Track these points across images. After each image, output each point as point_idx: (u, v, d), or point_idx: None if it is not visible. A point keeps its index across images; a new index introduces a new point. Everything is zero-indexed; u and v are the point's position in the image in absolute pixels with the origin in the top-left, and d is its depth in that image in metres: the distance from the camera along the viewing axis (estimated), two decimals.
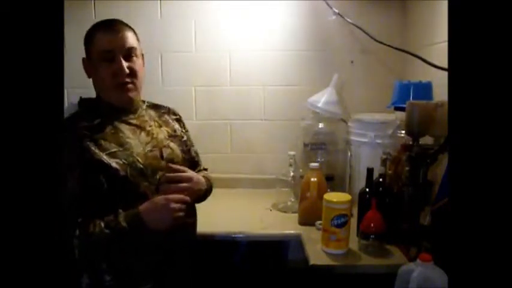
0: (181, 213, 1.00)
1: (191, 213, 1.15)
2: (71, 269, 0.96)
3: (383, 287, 1.02)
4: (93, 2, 1.85)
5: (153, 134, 1.11)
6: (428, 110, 1.15)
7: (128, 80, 1.05)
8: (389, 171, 1.27)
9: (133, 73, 1.05)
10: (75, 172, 0.95)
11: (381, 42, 1.72)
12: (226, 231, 1.40)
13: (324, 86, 1.74)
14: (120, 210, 0.97)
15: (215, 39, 1.87)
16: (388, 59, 1.82)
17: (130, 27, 1.08)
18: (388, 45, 1.71)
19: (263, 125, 1.93)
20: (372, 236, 1.19)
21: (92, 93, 1.11)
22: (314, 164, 1.46)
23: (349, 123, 1.66)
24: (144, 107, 1.17)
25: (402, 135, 1.37)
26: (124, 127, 1.07)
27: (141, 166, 1.03)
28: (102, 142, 1.00)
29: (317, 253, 1.21)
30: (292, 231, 1.41)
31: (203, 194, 1.19)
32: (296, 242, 1.37)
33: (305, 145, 1.72)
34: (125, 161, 1.00)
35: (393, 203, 1.23)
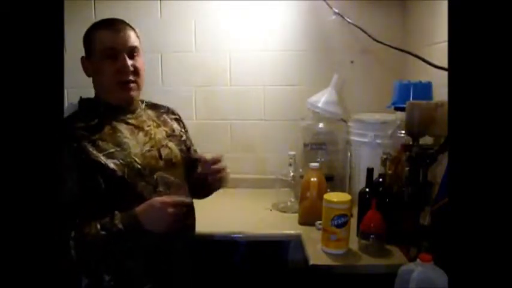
0: (178, 218, 1.00)
1: (190, 214, 1.15)
2: (69, 270, 0.96)
3: (383, 287, 1.02)
4: (93, 2, 1.85)
5: (151, 134, 1.11)
6: (428, 110, 1.15)
7: (131, 78, 1.05)
8: (389, 171, 1.27)
9: (136, 71, 1.06)
10: (72, 173, 0.94)
11: (381, 42, 1.72)
12: (226, 231, 1.40)
13: (324, 86, 1.74)
14: (117, 212, 0.96)
15: (215, 39, 1.87)
16: (388, 59, 1.82)
17: (131, 27, 1.09)
18: (388, 45, 1.71)
19: (263, 125, 1.93)
20: (372, 236, 1.19)
21: (92, 93, 1.11)
22: (314, 164, 1.46)
23: (349, 123, 1.65)
24: (143, 106, 1.16)
25: (402, 135, 1.37)
26: (122, 127, 1.06)
27: (139, 166, 1.03)
28: (100, 142, 0.99)
29: (317, 253, 1.21)
30: (292, 231, 1.41)
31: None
32: (296, 242, 1.37)
33: (305, 145, 1.72)
34: (122, 162, 1.00)
35: (393, 203, 1.23)
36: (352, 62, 1.86)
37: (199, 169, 1.16)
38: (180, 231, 1.05)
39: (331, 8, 1.79)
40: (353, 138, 1.61)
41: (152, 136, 1.11)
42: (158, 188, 1.05)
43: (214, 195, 1.35)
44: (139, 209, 0.97)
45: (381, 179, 1.28)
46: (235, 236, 1.39)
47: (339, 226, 1.18)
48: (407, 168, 1.18)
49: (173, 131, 1.20)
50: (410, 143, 1.19)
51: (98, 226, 0.94)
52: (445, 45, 1.38)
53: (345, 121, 1.70)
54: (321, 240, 1.23)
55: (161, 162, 1.09)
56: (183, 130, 1.25)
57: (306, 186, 1.45)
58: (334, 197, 1.22)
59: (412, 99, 1.34)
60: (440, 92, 1.36)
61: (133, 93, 1.07)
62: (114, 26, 1.04)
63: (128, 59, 1.03)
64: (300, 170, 1.63)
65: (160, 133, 1.14)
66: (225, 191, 1.34)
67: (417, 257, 0.95)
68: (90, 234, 0.93)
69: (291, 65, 1.88)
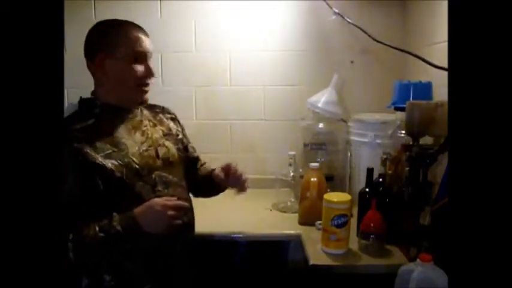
0: (178, 221, 1.00)
1: (189, 214, 1.15)
2: (68, 270, 0.96)
3: (383, 287, 1.02)
4: (93, 2, 1.85)
5: (148, 133, 1.11)
6: (428, 110, 1.15)
7: (149, 81, 1.08)
8: (389, 171, 1.27)
9: (153, 76, 1.09)
10: (70, 174, 0.94)
11: (381, 42, 1.72)
12: (226, 231, 1.40)
13: (324, 86, 1.74)
14: (115, 214, 0.96)
15: (215, 39, 1.87)
16: (388, 59, 1.82)
17: None
18: (388, 45, 1.71)
19: (263, 125, 1.93)
20: (372, 236, 1.19)
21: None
22: (314, 164, 1.46)
23: (349, 123, 1.65)
24: (139, 106, 1.17)
25: (402, 135, 1.37)
26: (119, 127, 1.06)
27: (137, 166, 1.03)
28: (97, 143, 0.99)
29: (317, 253, 1.21)
30: (292, 231, 1.41)
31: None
32: (296, 242, 1.37)
33: (305, 145, 1.72)
34: (120, 162, 1.00)
35: (393, 203, 1.23)
36: (352, 62, 1.87)
37: (220, 174, 1.21)
38: (179, 232, 1.05)
39: (331, 8, 1.79)
40: (353, 138, 1.61)
41: (149, 136, 1.11)
42: (157, 188, 1.05)
43: None
44: (138, 210, 0.97)
45: (380, 179, 1.28)
46: (235, 236, 1.39)
47: (339, 226, 1.18)
48: (407, 168, 1.18)
49: (169, 130, 1.20)
50: (410, 143, 1.19)
51: (97, 228, 0.94)
52: (445, 45, 1.39)
53: (345, 121, 1.69)
54: (321, 240, 1.23)
55: (159, 162, 1.09)
56: (179, 129, 1.25)
57: (306, 186, 1.45)
58: (334, 197, 1.22)
59: (412, 99, 1.34)
60: (440, 92, 1.36)
61: (148, 96, 1.10)
62: (141, 29, 1.07)
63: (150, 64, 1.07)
64: (300, 170, 1.63)
65: (157, 132, 1.15)
66: (225, 190, 1.34)
67: (417, 257, 0.95)
68: (88, 236, 0.93)
69: (291, 65, 1.88)
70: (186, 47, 1.88)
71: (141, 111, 1.15)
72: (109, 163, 0.98)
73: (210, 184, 1.27)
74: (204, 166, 1.35)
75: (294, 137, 1.81)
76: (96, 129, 1.01)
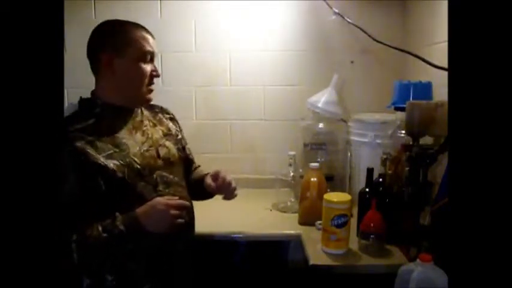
0: (181, 220, 1.00)
1: (190, 213, 1.15)
2: (70, 270, 0.96)
3: (383, 287, 1.02)
4: (93, 2, 1.85)
5: (148, 133, 1.11)
6: (428, 110, 1.15)
7: (154, 82, 1.10)
8: (389, 171, 1.27)
9: (159, 76, 1.11)
10: (72, 174, 0.94)
11: (381, 42, 1.72)
12: (226, 231, 1.40)
13: (324, 86, 1.74)
14: (117, 214, 0.96)
15: (215, 39, 1.87)
16: (388, 59, 1.82)
17: None
18: (388, 45, 1.71)
19: (263, 125, 1.93)
20: (372, 236, 1.19)
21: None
22: (314, 164, 1.46)
23: (349, 123, 1.65)
24: (139, 107, 1.16)
25: (402, 135, 1.37)
26: (120, 127, 1.06)
27: (138, 166, 1.03)
28: (98, 143, 0.99)
29: (317, 253, 1.21)
30: (292, 231, 1.41)
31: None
32: (296, 242, 1.37)
33: (305, 145, 1.72)
34: (122, 162, 1.00)
35: (393, 203, 1.23)
36: (352, 62, 1.87)
37: (212, 184, 1.18)
38: (181, 232, 1.06)
39: (331, 8, 1.79)
40: (353, 138, 1.61)
41: (150, 136, 1.11)
42: (158, 187, 1.06)
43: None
44: (141, 210, 0.97)
45: (380, 179, 1.28)
46: (235, 236, 1.39)
47: (339, 226, 1.18)
48: (407, 168, 1.18)
49: (169, 130, 1.21)
50: (410, 143, 1.19)
51: (100, 228, 0.94)
52: (445, 45, 1.39)
53: (345, 121, 1.69)
54: (321, 240, 1.23)
55: (160, 162, 1.09)
56: (178, 129, 1.26)
57: (306, 186, 1.45)
58: (334, 197, 1.22)
59: (412, 99, 1.34)
60: (440, 92, 1.36)
61: (152, 95, 1.11)
62: (147, 29, 1.08)
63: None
64: (300, 170, 1.63)
65: (157, 132, 1.15)
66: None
67: (417, 257, 0.95)
68: (91, 236, 0.93)
69: (291, 65, 1.88)
70: (186, 47, 1.88)
71: (141, 111, 1.15)
72: (111, 163, 0.98)
73: (200, 189, 1.24)
74: (197, 170, 1.34)
75: (294, 137, 1.81)
76: (97, 129, 1.01)
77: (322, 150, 1.67)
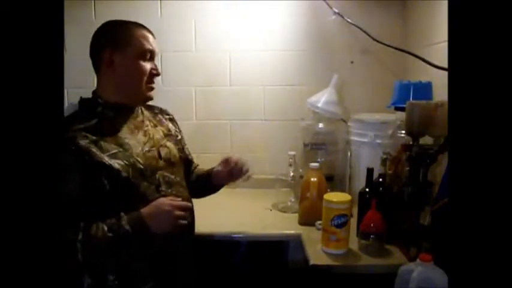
0: (184, 221, 1.01)
1: (191, 215, 1.15)
2: (71, 270, 0.96)
3: (383, 287, 1.02)
4: (93, 2, 1.85)
5: (149, 133, 1.12)
6: (428, 110, 1.15)
7: (154, 80, 1.10)
8: (389, 171, 1.27)
9: (159, 74, 1.12)
10: (75, 174, 0.94)
11: (381, 42, 1.72)
12: (226, 231, 1.40)
13: (324, 86, 1.74)
14: (122, 214, 0.96)
15: (215, 39, 1.87)
16: (388, 59, 1.82)
17: None
18: (388, 45, 1.71)
19: (263, 125, 1.93)
20: (372, 236, 1.19)
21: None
22: (314, 164, 1.46)
23: (349, 123, 1.65)
24: (140, 107, 1.17)
25: (402, 135, 1.37)
26: (122, 127, 1.06)
27: (141, 167, 1.03)
28: (102, 143, 0.99)
29: (317, 253, 1.21)
30: (292, 231, 1.40)
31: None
32: (296, 242, 1.37)
33: (305, 145, 1.72)
34: (126, 162, 1.00)
35: (393, 203, 1.23)
36: (352, 62, 1.87)
37: (225, 169, 1.22)
38: (183, 232, 1.06)
39: (331, 8, 1.79)
40: (353, 138, 1.61)
41: (151, 136, 1.11)
42: (161, 188, 1.06)
43: (215, 195, 1.35)
44: (145, 210, 0.97)
45: (380, 179, 1.28)
46: (235, 236, 1.39)
47: (339, 226, 1.18)
48: (407, 168, 1.18)
49: (169, 130, 1.22)
50: (410, 143, 1.19)
51: (105, 228, 0.94)
52: (445, 45, 1.39)
53: (345, 121, 1.69)
54: (321, 240, 1.23)
55: (161, 162, 1.09)
56: (177, 130, 1.27)
57: (306, 186, 1.45)
58: (334, 197, 1.22)
59: (412, 99, 1.34)
60: (440, 92, 1.36)
61: (153, 93, 1.11)
62: (148, 29, 1.09)
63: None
64: (300, 170, 1.63)
65: (158, 133, 1.15)
66: (225, 190, 1.34)
67: (417, 257, 0.95)
68: (97, 236, 0.93)
69: (291, 65, 1.88)
70: (186, 47, 1.88)
71: (142, 111, 1.16)
72: (115, 163, 0.98)
73: (203, 185, 1.28)
74: (197, 169, 1.36)
75: (294, 137, 1.81)
76: (100, 129, 1.01)
77: (322, 150, 1.67)
